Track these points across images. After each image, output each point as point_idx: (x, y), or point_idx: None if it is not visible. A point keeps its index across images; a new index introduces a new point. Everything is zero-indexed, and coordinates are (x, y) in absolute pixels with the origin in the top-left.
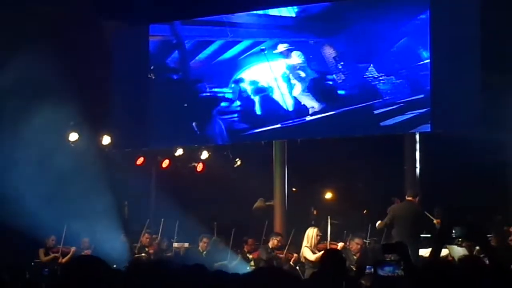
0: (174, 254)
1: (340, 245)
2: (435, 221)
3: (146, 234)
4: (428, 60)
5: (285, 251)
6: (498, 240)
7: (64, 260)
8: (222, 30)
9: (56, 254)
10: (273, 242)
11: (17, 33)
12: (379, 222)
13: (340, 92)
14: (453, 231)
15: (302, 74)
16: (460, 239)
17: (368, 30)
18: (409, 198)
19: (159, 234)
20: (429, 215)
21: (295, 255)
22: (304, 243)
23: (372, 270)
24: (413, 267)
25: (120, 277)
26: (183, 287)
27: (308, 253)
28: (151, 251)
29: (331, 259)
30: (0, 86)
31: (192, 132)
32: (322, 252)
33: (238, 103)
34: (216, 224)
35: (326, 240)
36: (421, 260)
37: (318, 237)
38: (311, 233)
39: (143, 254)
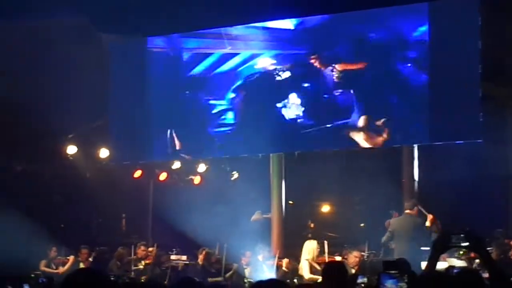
0: (171, 269)
1: (337, 259)
2: (428, 220)
3: (142, 247)
4: (427, 71)
5: (276, 259)
6: (498, 253)
7: (62, 270)
8: (220, 42)
9: (54, 271)
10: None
11: (16, 48)
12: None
13: (338, 105)
14: (452, 240)
15: (300, 87)
16: (461, 252)
17: (367, 42)
18: (408, 211)
19: (155, 247)
20: (422, 210)
21: (285, 260)
22: (305, 256)
23: (365, 279)
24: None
25: None
26: None
27: (305, 270)
28: (147, 261)
29: (333, 271)
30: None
31: (188, 144)
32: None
33: (234, 115)
34: (211, 236)
35: (324, 253)
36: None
37: (318, 250)
38: (312, 245)
39: (140, 267)
